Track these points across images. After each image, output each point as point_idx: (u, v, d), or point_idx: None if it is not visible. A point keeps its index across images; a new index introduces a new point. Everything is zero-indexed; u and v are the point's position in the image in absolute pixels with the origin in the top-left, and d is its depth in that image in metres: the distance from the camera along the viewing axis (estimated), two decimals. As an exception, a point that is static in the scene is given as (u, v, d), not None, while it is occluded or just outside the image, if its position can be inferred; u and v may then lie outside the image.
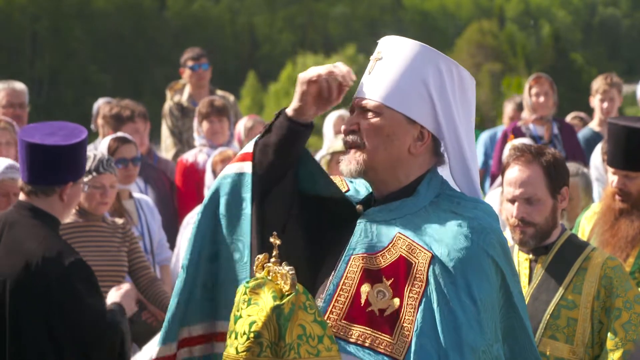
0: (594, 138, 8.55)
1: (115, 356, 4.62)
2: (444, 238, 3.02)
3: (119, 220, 6.02)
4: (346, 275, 3.08)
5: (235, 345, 2.91)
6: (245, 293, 2.96)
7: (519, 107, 9.78)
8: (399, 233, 3.06)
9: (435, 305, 2.96)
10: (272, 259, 3.00)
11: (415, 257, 3.02)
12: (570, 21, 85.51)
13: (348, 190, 3.28)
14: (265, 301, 2.92)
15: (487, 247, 3.03)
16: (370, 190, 3.24)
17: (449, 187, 3.18)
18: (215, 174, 6.89)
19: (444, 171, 3.20)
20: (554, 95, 8.61)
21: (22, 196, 4.66)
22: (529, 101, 8.53)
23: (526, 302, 4.10)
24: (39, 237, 4.51)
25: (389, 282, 3.03)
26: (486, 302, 3.00)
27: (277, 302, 2.90)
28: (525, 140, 7.44)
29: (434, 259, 3.00)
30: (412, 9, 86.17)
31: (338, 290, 3.07)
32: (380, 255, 3.06)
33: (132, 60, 69.99)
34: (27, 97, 7.95)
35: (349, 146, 3.15)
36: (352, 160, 3.14)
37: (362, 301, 3.03)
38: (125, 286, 5.14)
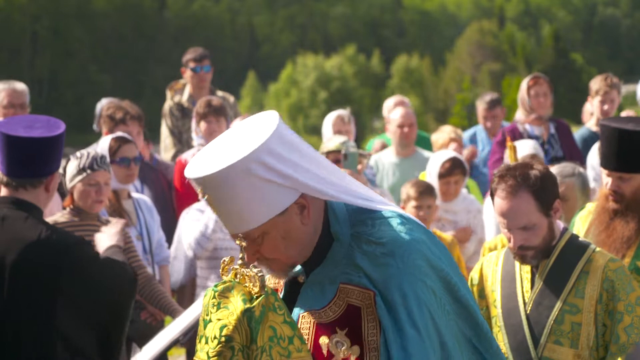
0: (592, 138, 8.52)
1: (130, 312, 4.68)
2: (375, 273, 3.00)
3: (113, 220, 6.00)
4: (301, 330, 3.05)
5: (206, 349, 2.87)
6: (214, 297, 2.92)
7: (490, 106, 9.78)
8: (341, 284, 3.05)
9: (390, 341, 2.95)
10: (239, 261, 2.97)
11: (361, 300, 3.01)
12: (570, 21, 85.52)
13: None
14: (236, 305, 2.88)
15: (412, 269, 2.98)
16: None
17: (354, 208, 3.13)
18: None
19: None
20: (551, 95, 8.62)
21: (3, 191, 4.66)
22: (527, 101, 8.49)
23: (529, 308, 4.10)
24: (37, 226, 4.51)
25: (344, 332, 3.02)
26: (429, 328, 2.97)
27: (248, 305, 2.86)
28: (526, 142, 7.42)
29: (376, 296, 2.99)
30: (412, 9, 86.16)
31: None
32: (328, 308, 3.05)
33: (132, 60, 70.01)
34: (28, 97, 7.84)
35: (268, 268, 3.10)
36: (278, 274, 3.11)
37: (325, 353, 3.03)
38: (116, 223, 5.25)
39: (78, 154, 5.83)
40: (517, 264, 4.20)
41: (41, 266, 4.43)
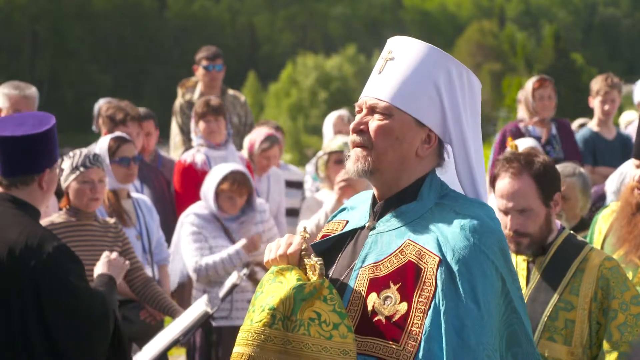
0: (593, 138, 8.56)
1: (109, 338, 4.61)
2: (449, 241, 3.01)
3: (110, 220, 5.98)
4: (355, 289, 3.08)
5: (251, 317, 2.95)
6: (271, 272, 3.01)
7: None
8: (409, 240, 3.06)
9: (442, 309, 2.95)
10: (302, 252, 3.03)
11: (424, 262, 2.99)
12: (570, 21, 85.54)
13: (347, 223, 3.26)
14: (289, 281, 2.97)
15: (487, 249, 3.00)
16: (366, 209, 3.23)
17: (449, 188, 3.18)
18: (216, 193, 6.84)
19: (443, 174, 3.19)
20: (556, 97, 8.63)
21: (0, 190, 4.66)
22: (531, 103, 8.49)
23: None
24: (21, 226, 4.50)
25: (396, 287, 3.01)
26: (490, 307, 2.97)
27: (301, 282, 2.95)
28: (526, 140, 7.44)
29: (441, 262, 2.99)
30: (412, 9, 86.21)
31: (348, 305, 3.06)
32: (387, 260, 3.05)
33: (132, 60, 70.01)
34: (36, 102, 7.26)
35: (356, 145, 3.11)
36: (359, 160, 3.10)
37: (370, 312, 3.01)
38: (113, 254, 5.15)
39: (71, 153, 5.82)
40: (513, 261, 4.20)
41: (16, 266, 4.41)
